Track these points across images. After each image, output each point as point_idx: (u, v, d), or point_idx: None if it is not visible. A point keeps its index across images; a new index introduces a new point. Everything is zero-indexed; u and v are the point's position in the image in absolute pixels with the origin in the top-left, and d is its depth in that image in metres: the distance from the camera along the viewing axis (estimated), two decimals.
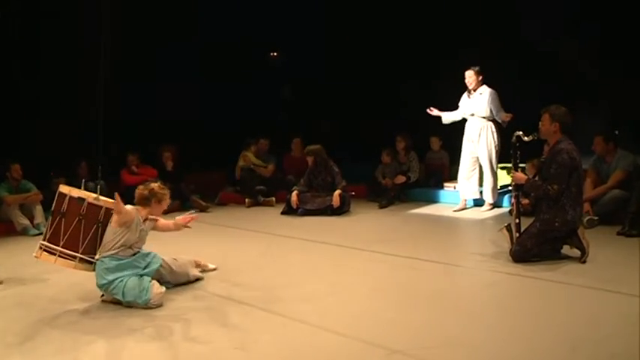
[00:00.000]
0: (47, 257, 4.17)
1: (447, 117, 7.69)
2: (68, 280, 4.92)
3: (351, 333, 3.48)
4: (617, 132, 6.90)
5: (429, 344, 3.27)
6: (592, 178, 6.41)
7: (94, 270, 4.24)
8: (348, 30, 10.27)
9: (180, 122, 9.83)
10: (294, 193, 7.93)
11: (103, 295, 4.34)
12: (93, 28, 8.65)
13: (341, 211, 7.77)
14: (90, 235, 4.24)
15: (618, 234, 5.72)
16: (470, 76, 7.36)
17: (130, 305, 4.12)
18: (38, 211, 7.41)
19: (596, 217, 6.11)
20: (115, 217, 4.17)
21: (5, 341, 3.62)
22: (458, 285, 4.56)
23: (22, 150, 8.04)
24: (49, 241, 4.18)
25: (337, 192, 7.74)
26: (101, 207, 4.28)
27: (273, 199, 8.83)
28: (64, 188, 4.28)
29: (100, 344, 3.53)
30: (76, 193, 4.23)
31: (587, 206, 6.00)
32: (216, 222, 6.80)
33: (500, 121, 7.23)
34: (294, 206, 7.89)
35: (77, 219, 4.19)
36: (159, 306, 4.13)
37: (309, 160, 8.12)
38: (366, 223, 7.26)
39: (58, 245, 4.16)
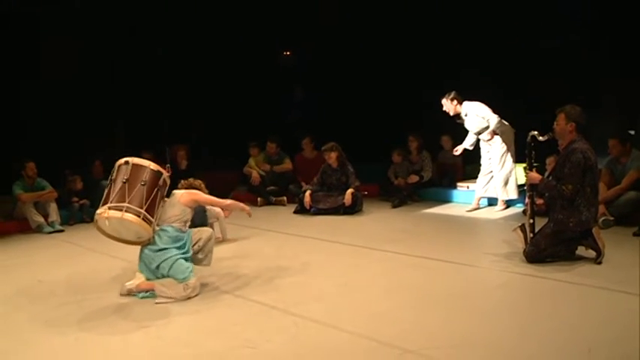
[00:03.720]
0: (131, 217, 4.24)
1: (468, 143, 7.61)
2: (81, 271, 4.98)
3: (363, 332, 3.47)
4: (632, 132, 6.82)
5: (442, 344, 3.25)
6: (606, 180, 6.33)
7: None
8: (359, 30, 10.24)
9: (192, 121, 9.89)
10: (307, 193, 7.93)
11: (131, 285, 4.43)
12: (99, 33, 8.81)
13: (353, 210, 7.76)
14: (159, 206, 4.49)
15: (634, 235, 5.65)
16: (445, 105, 7.38)
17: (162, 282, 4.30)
18: (53, 208, 7.49)
19: (611, 218, 6.04)
20: (190, 196, 4.59)
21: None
22: (471, 285, 4.53)
23: (37, 148, 8.12)
24: (130, 203, 4.27)
25: (349, 191, 7.73)
26: (167, 184, 4.57)
27: (285, 198, 8.85)
28: (139, 160, 4.50)
29: (111, 342, 3.55)
30: (154, 166, 4.48)
31: (602, 208, 5.93)
32: (228, 221, 6.80)
33: (494, 129, 7.16)
34: (307, 206, 7.89)
35: (156, 189, 4.42)
36: (194, 292, 4.28)
37: (332, 156, 8.05)
38: (379, 222, 7.24)
39: (142, 208, 4.29)
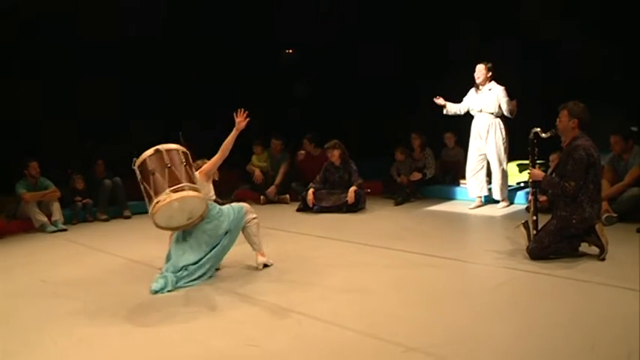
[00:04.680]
0: (180, 194, 4.35)
1: (452, 108, 7.62)
2: (85, 270, 4.99)
3: (366, 330, 3.47)
4: (635, 128, 6.80)
5: (446, 341, 3.25)
6: (608, 177, 6.31)
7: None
8: (360, 27, 10.21)
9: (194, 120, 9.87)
10: (310, 191, 7.93)
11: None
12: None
13: (356, 208, 7.76)
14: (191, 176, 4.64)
15: (638, 231, 5.63)
16: (480, 70, 7.33)
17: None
18: (56, 208, 7.51)
19: (615, 215, 6.03)
20: (201, 173, 4.84)
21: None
22: (474, 282, 4.53)
23: (40, 147, 8.13)
24: (170, 185, 4.38)
25: (352, 188, 7.74)
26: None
27: (288, 196, 8.86)
28: (168, 145, 4.60)
29: (115, 341, 3.56)
30: (181, 147, 4.65)
31: (605, 205, 5.92)
32: None
33: (509, 114, 7.19)
34: (310, 204, 7.89)
35: (191, 168, 4.66)
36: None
37: (335, 153, 8.07)
38: (382, 220, 7.24)
39: (182, 183, 4.42)
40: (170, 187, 4.37)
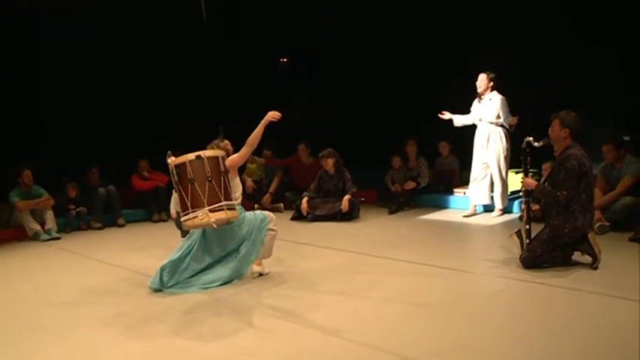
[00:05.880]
0: (218, 215, 4.30)
1: (459, 120, 7.64)
2: (78, 279, 4.98)
3: (360, 339, 3.48)
4: (627, 137, 6.84)
5: (440, 350, 3.25)
6: (601, 186, 6.34)
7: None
8: (358, 33, 10.26)
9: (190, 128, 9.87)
10: (304, 199, 7.94)
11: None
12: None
13: (350, 216, 7.77)
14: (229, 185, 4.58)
15: (630, 240, 5.66)
16: (481, 80, 7.36)
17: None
18: (49, 216, 7.49)
19: (607, 224, 6.06)
20: (230, 166, 4.70)
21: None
22: (468, 291, 4.54)
23: (34, 156, 8.11)
24: (210, 203, 4.29)
25: (346, 197, 7.75)
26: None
27: (282, 205, 8.86)
28: (211, 152, 4.50)
29: (108, 351, 3.55)
30: (221, 152, 4.56)
31: (598, 214, 5.95)
32: None
33: (507, 126, 7.24)
34: (304, 212, 7.90)
35: (221, 175, 4.45)
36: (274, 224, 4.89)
37: (329, 162, 8.08)
38: (376, 228, 7.25)
39: (221, 201, 4.34)
40: (209, 205, 4.29)
